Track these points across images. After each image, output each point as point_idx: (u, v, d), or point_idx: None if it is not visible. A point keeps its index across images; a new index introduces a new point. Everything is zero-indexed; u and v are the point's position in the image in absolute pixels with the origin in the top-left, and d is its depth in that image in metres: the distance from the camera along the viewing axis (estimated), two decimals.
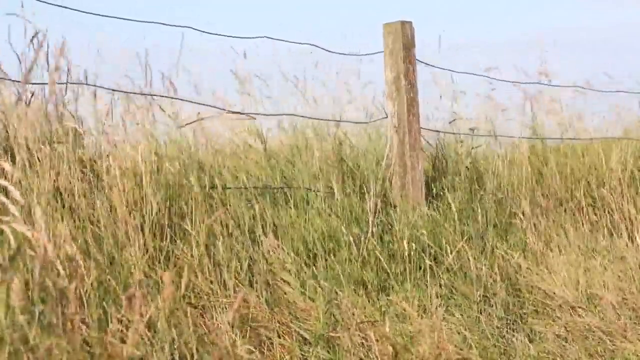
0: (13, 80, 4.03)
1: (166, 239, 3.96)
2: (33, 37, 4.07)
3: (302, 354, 3.82)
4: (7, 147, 3.85)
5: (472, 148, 5.57)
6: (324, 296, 4.07)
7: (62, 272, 2.91)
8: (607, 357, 4.38)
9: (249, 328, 3.81)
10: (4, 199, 2.85)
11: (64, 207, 3.75)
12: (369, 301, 4.21)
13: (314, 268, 4.22)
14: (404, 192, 4.98)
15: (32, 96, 4.04)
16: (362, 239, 4.41)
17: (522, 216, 5.22)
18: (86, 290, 3.31)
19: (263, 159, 4.82)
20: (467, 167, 5.44)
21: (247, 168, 4.75)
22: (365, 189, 4.69)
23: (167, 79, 4.54)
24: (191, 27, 4.62)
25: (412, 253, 4.45)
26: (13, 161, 3.75)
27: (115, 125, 4.25)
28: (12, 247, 2.81)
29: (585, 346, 4.40)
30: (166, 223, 3.99)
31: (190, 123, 4.62)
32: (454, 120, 5.66)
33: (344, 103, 5.45)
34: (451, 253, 4.59)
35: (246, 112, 4.95)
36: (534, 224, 5.23)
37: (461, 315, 4.31)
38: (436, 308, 4.19)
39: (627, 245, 5.29)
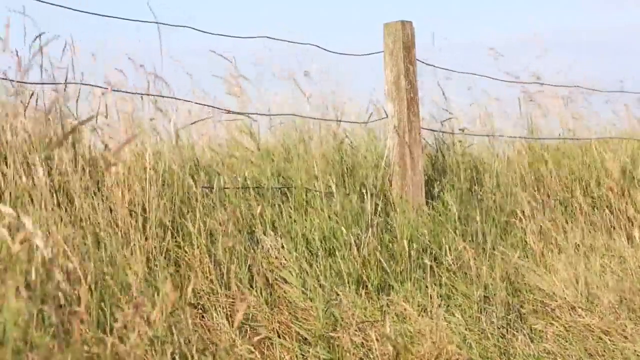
0: (11, 80, 4.03)
1: (166, 238, 3.95)
2: (35, 38, 4.07)
3: (302, 354, 3.82)
4: (4, 149, 3.84)
5: (467, 146, 5.57)
6: (324, 296, 4.06)
7: (60, 272, 2.91)
8: (607, 357, 4.37)
9: (248, 328, 3.81)
10: None
11: (65, 207, 3.75)
12: (369, 301, 4.21)
13: (315, 268, 4.21)
14: (404, 192, 4.97)
15: (30, 97, 4.03)
16: (362, 238, 4.40)
17: (521, 216, 5.22)
18: (84, 291, 3.30)
19: (260, 160, 4.82)
20: (466, 166, 5.44)
21: (246, 168, 4.74)
22: (365, 188, 4.68)
23: (165, 79, 4.53)
24: (191, 27, 4.62)
25: (412, 253, 4.45)
26: (6, 164, 3.75)
27: (114, 126, 4.24)
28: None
29: (585, 346, 4.40)
30: (168, 223, 3.99)
31: (191, 124, 4.62)
32: (448, 119, 5.65)
33: (343, 103, 5.45)
34: (451, 253, 4.58)
35: (246, 112, 4.94)
36: (534, 224, 5.23)
37: (461, 315, 4.31)
38: (436, 308, 4.18)
39: (626, 245, 5.29)
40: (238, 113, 4.92)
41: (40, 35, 4.07)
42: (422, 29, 5.16)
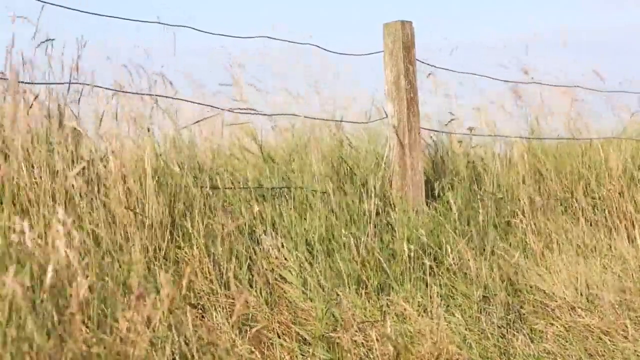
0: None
1: (166, 239, 3.95)
2: (34, 38, 4.07)
3: (302, 354, 3.82)
4: (4, 147, 3.84)
5: (472, 147, 5.57)
6: (324, 296, 4.07)
7: (59, 272, 2.91)
8: (607, 357, 4.37)
9: (248, 328, 3.81)
10: None
11: (65, 207, 3.75)
12: (369, 301, 4.21)
13: (315, 268, 4.22)
14: (404, 192, 4.97)
15: (34, 98, 4.04)
16: (362, 239, 4.40)
17: (521, 216, 5.22)
18: (84, 291, 3.30)
19: (261, 160, 4.82)
20: (466, 166, 5.44)
21: (247, 169, 4.74)
22: (365, 189, 4.68)
23: (166, 79, 4.53)
24: (191, 27, 4.62)
25: (412, 253, 4.45)
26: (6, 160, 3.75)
27: (115, 126, 4.24)
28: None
29: (585, 346, 4.40)
30: (168, 223, 3.99)
31: (190, 125, 4.62)
32: (451, 120, 5.66)
33: (343, 103, 5.45)
34: (451, 253, 4.58)
35: (246, 112, 4.95)
36: (534, 224, 5.23)
37: (461, 315, 4.31)
38: (436, 308, 4.19)
39: (627, 245, 5.29)
40: (239, 112, 4.92)
41: (39, 34, 4.08)
42: (422, 29, 5.17)
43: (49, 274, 2.80)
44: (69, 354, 2.69)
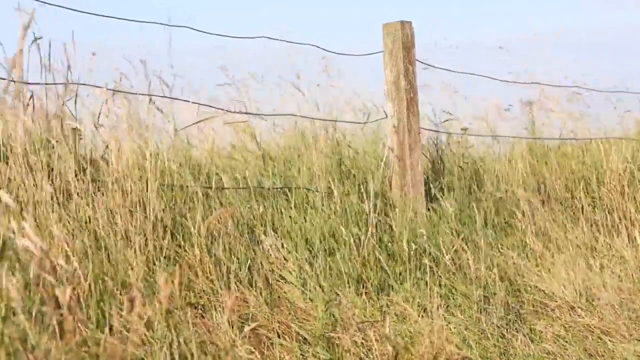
0: (12, 81, 4.03)
1: (166, 238, 3.95)
2: (34, 40, 4.07)
3: (302, 354, 3.82)
4: (4, 147, 3.84)
5: (469, 147, 5.58)
6: (323, 296, 4.07)
7: (58, 272, 2.91)
8: (607, 357, 4.37)
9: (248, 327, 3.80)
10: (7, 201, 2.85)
11: (65, 207, 3.75)
12: (368, 301, 4.21)
13: (315, 268, 4.22)
14: (403, 192, 4.97)
15: (30, 97, 4.04)
16: (362, 239, 4.40)
17: (521, 216, 5.21)
18: (83, 291, 3.31)
19: (260, 160, 4.82)
20: (465, 166, 5.44)
21: (246, 169, 4.74)
22: (364, 189, 4.68)
23: (165, 79, 4.53)
24: (191, 27, 4.62)
25: (411, 253, 4.45)
26: (7, 162, 3.75)
27: (114, 126, 4.24)
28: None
29: (585, 346, 4.40)
30: (168, 223, 3.99)
31: (190, 125, 4.62)
32: (447, 120, 5.66)
33: (343, 103, 5.45)
34: (450, 253, 4.58)
35: (246, 113, 4.95)
36: (534, 224, 5.23)
37: (461, 315, 4.31)
38: (436, 308, 4.18)
39: (627, 245, 5.28)
40: (238, 113, 4.92)
41: (38, 34, 4.08)
42: (422, 29, 5.17)
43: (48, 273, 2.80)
44: (67, 354, 2.69)
